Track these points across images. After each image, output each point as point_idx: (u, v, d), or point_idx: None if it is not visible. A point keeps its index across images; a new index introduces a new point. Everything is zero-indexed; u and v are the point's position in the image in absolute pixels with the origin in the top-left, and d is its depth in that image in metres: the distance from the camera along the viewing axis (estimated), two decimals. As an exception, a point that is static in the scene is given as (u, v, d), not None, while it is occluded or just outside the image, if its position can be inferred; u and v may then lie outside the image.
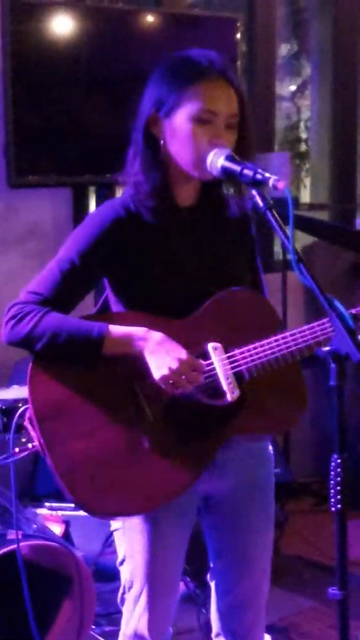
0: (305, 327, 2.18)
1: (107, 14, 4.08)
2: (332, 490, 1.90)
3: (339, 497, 1.89)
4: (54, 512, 3.35)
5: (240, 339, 2.18)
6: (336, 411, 1.89)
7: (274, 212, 1.99)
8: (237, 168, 2.07)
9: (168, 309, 2.20)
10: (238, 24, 4.33)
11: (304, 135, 9.07)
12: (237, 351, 2.18)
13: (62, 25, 3.83)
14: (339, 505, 1.90)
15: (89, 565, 3.09)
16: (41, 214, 4.09)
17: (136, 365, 2.14)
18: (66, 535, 3.39)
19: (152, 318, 2.17)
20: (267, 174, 2.02)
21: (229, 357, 2.18)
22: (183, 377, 2.10)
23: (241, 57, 4.41)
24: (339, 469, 1.89)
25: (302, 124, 9.27)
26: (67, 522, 3.37)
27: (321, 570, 4.03)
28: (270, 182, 1.99)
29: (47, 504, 3.38)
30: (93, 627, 3.13)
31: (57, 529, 3.32)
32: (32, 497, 3.56)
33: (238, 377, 2.17)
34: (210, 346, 2.18)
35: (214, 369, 2.17)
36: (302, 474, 4.96)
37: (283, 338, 2.17)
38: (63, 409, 2.15)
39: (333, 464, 1.90)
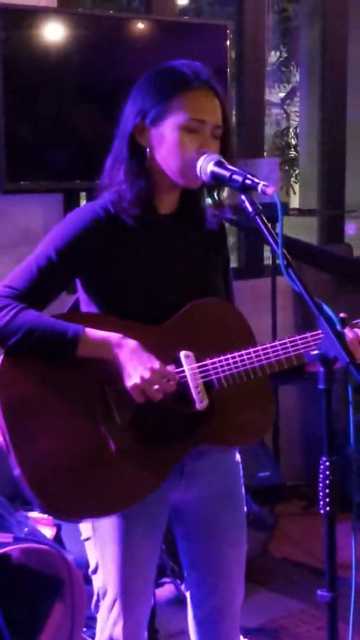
0: (277, 342, 2.19)
1: (97, 21, 4.09)
2: (321, 493, 1.91)
3: (328, 499, 1.91)
4: (45, 516, 3.35)
5: (212, 349, 2.19)
6: (325, 414, 1.91)
7: (263, 217, 2.01)
8: (226, 173, 2.08)
9: (141, 313, 2.20)
10: (228, 32, 4.35)
11: (293, 142, 9.12)
12: (208, 361, 2.18)
13: (53, 32, 3.84)
14: (328, 508, 1.91)
15: (80, 568, 3.10)
16: (33, 219, 4.10)
17: (108, 369, 2.14)
18: (57, 538, 3.39)
19: (126, 323, 2.18)
20: (256, 180, 2.03)
21: (199, 366, 2.19)
22: (154, 386, 2.11)
23: (231, 64, 4.42)
24: (327, 472, 1.91)
25: (291, 131, 9.32)
26: (58, 526, 3.38)
27: (310, 572, 4.04)
28: (259, 188, 2.00)
29: (37, 507, 3.37)
30: (84, 629, 3.14)
31: (49, 532, 3.32)
32: (23, 500, 3.56)
33: (208, 386, 2.18)
34: (182, 354, 2.18)
35: (184, 376, 2.17)
36: (292, 476, 4.97)
37: (255, 351, 2.18)
38: (30, 406, 2.13)
39: (322, 466, 1.91)
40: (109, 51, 3.99)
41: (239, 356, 2.18)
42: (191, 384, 2.17)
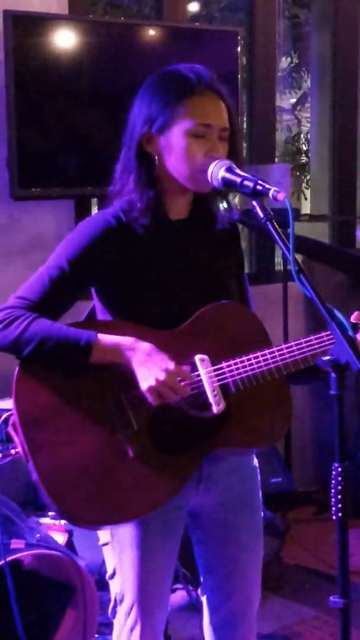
0: (293, 342, 2.19)
1: (109, 28, 4.10)
2: (333, 499, 1.91)
3: (340, 505, 1.90)
4: (57, 522, 3.36)
5: (227, 352, 2.19)
6: (336, 420, 1.90)
7: (274, 223, 2.00)
8: (237, 179, 2.08)
9: (155, 319, 2.20)
10: (239, 38, 4.35)
11: (304, 147, 9.11)
12: (224, 364, 2.19)
13: (64, 39, 3.85)
14: (340, 514, 1.91)
15: (92, 574, 3.10)
16: (44, 225, 4.11)
17: (123, 374, 2.14)
18: (69, 544, 3.39)
19: (140, 328, 2.18)
20: (267, 185, 2.03)
21: (215, 370, 2.19)
22: (169, 388, 2.11)
23: (242, 70, 4.43)
24: (339, 478, 1.90)
25: (302, 136, 9.32)
26: (70, 532, 3.38)
27: (323, 578, 4.03)
28: (270, 193, 2.00)
29: (50, 513, 3.38)
30: (96, 636, 3.14)
31: (60, 538, 3.33)
32: (35, 506, 3.56)
33: (224, 389, 2.18)
34: (198, 358, 2.19)
35: (200, 380, 2.17)
36: (304, 482, 4.97)
37: (270, 353, 2.18)
38: (48, 415, 2.14)
39: (334, 472, 1.91)
40: (120, 58, 4.00)
41: (254, 358, 2.18)
42: (207, 388, 2.17)
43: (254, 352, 2.18)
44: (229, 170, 2.11)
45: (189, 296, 2.24)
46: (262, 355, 2.18)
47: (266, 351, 2.18)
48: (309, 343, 2.19)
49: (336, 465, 1.91)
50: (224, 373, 2.18)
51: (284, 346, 2.19)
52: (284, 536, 4.31)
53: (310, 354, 2.18)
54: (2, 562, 2.77)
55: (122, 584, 2.29)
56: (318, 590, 3.93)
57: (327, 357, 1.88)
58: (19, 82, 3.73)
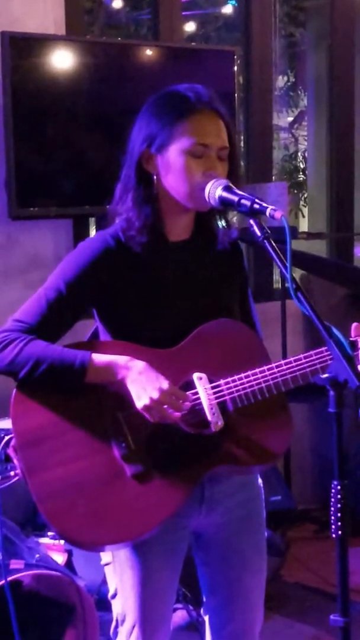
0: (292, 358, 2.18)
1: (106, 48, 4.12)
2: (333, 517, 1.90)
3: (339, 523, 1.90)
4: (56, 541, 3.35)
5: (225, 370, 2.19)
6: (336, 438, 1.90)
7: (272, 241, 2.01)
8: (234, 198, 2.09)
9: (155, 340, 2.20)
10: (235, 57, 4.37)
11: (301, 165, 9.15)
12: (222, 381, 2.18)
13: (61, 60, 3.87)
14: (340, 532, 1.90)
15: (92, 594, 3.09)
16: (42, 245, 4.12)
17: (119, 393, 2.14)
18: (69, 564, 3.38)
19: (138, 347, 2.18)
20: (264, 204, 2.04)
21: (213, 387, 2.18)
22: (164, 406, 2.10)
23: (239, 89, 4.45)
24: (339, 496, 1.90)
25: (299, 154, 9.36)
26: (69, 551, 3.37)
27: (323, 597, 4.01)
28: (268, 212, 2.00)
29: (49, 533, 3.37)
30: (96, 656, 3.12)
31: (60, 558, 3.32)
32: (34, 526, 3.56)
33: (222, 407, 2.18)
34: (195, 376, 2.18)
35: (198, 398, 2.17)
36: (304, 500, 4.95)
37: (269, 369, 2.17)
38: (45, 436, 2.14)
39: (334, 490, 1.90)
40: (117, 78, 4.02)
41: (253, 375, 2.17)
42: (206, 406, 2.16)
43: (252, 369, 2.18)
44: (226, 189, 2.11)
45: (189, 318, 2.23)
46: (261, 372, 2.17)
47: (265, 368, 2.17)
48: (308, 359, 2.18)
49: (336, 483, 1.91)
50: (222, 391, 2.18)
51: (282, 362, 2.18)
52: (284, 555, 4.29)
53: (310, 370, 2.17)
54: (2, 582, 2.76)
55: (124, 605, 2.28)
56: (318, 608, 3.92)
57: (326, 375, 1.89)
58: (16, 103, 3.75)
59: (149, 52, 4.19)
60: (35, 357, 2.12)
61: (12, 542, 3.13)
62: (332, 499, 1.90)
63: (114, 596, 2.31)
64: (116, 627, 2.32)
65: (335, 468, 1.91)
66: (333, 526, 1.90)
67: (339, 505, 1.90)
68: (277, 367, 2.17)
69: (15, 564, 2.90)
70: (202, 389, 2.17)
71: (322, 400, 1.97)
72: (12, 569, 2.88)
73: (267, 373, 2.17)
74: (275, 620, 3.84)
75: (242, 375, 2.17)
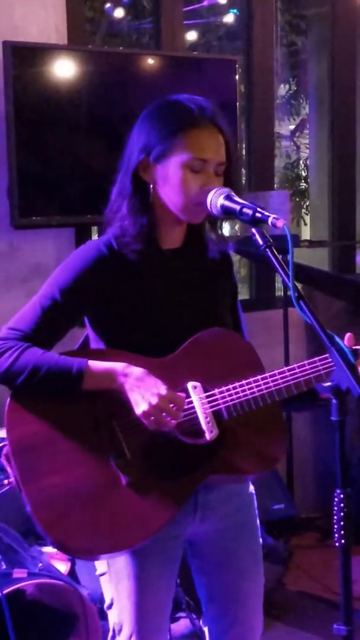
0: (286, 368, 2.19)
1: (108, 57, 4.13)
2: (335, 525, 1.90)
3: (342, 532, 1.90)
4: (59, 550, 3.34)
5: (220, 379, 2.20)
6: (338, 446, 1.90)
7: (274, 250, 2.01)
8: (236, 207, 2.09)
9: (148, 348, 2.20)
10: (237, 66, 4.38)
11: (303, 173, 9.16)
12: (216, 390, 2.19)
13: (63, 69, 3.88)
14: (342, 540, 1.90)
15: (95, 603, 3.09)
16: (45, 253, 4.12)
17: (115, 401, 2.14)
18: (72, 573, 3.38)
19: (133, 356, 2.18)
20: (266, 213, 2.04)
21: (208, 397, 2.19)
22: (163, 412, 2.11)
23: (240, 97, 4.45)
24: (342, 504, 1.90)
25: (301, 162, 9.37)
26: (72, 560, 3.37)
27: (326, 606, 4.00)
28: (270, 221, 2.01)
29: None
30: (99, 665, 3.12)
31: (63, 567, 3.32)
32: (37, 535, 3.55)
33: (217, 416, 2.18)
34: (190, 385, 2.19)
35: (193, 407, 2.18)
36: (306, 508, 4.95)
37: (263, 379, 2.18)
38: (39, 444, 2.14)
39: (336, 498, 1.90)
40: (119, 87, 4.03)
41: (247, 384, 2.18)
42: (200, 414, 2.17)
43: (246, 379, 2.18)
44: (228, 198, 2.12)
45: (182, 325, 2.24)
46: (255, 382, 2.18)
47: (259, 377, 2.18)
48: (302, 369, 2.19)
49: (338, 491, 1.91)
50: (216, 400, 2.18)
51: (276, 372, 2.19)
52: (287, 563, 4.29)
53: (303, 379, 2.18)
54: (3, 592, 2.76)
55: (120, 614, 2.28)
56: (321, 617, 3.91)
57: (328, 384, 1.89)
58: (19, 112, 3.76)
59: (150, 61, 4.19)
60: (32, 365, 2.12)
61: (15, 551, 3.12)
62: (335, 507, 1.90)
63: (110, 606, 2.31)
64: (113, 637, 2.31)
65: (338, 476, 1.91)
66: (336, 534, 1.90)
67: (341, 514, 1.90)
68: (271, 376, 2.19)
69: (18, 573, 2.89)
70: (197, 398, 2.18)
71: (324, 409, 1.97)
72: (15, 577, 2.87)
73: (261, 382, 2.18)
74: (277, 628, 3.83)
75: (237, 384, 2.18)
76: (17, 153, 3.77)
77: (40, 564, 3.05)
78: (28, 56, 3.80)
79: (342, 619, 1.91)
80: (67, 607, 3.02)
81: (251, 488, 2.41)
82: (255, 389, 2.18)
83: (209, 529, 2.31)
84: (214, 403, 2.18)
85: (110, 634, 2.33)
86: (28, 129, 3.81)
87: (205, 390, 2.19)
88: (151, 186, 2.22)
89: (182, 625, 3.60)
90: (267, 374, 2.19)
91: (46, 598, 3.04)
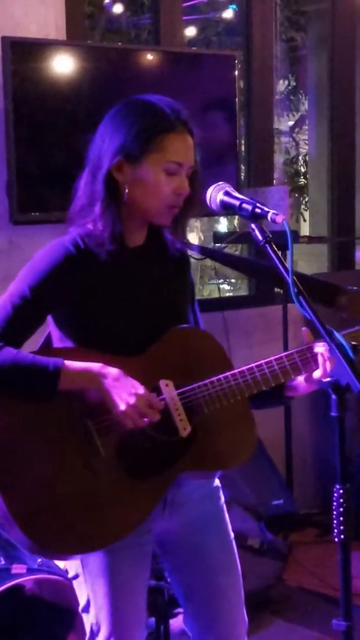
0: (253, 364, 2.20)
1: (107, 53, 4.13)
2: (335, 521, 1.91)
3: (342, 527, 1.90)
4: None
5: (190, 376, 2.20)
6: (338, 442, 1.91)
7: (273, 245, 2.01)
8: (235, 202, 2.10)
9: (118, 345, 2.20)
10: (236, 61, 4.38)
11: (302, 169, 9.15)
12: (187, 388, 2.19)
13: (62, 64, 3.88)
14: (342, 536, 1.91)
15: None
16: (43, 249, 4.11)
17: (89, 402, 2.14)
18: (70, 569, 3.38)
19: (103, 355, 2.17)
20: (265, 208, 2.05)
21: (180, 394, 2.19)
22: (140, 412, 2.11)
23: (239, 93, 4.45)
24: (341, 500, 1.90)
25: (300, 158, 9.37)
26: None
27: (325, 601, 4.00)
28: (269, 216, 2.02)
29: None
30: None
31: (61, 563, 3.31)
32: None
33: (189, 413, 2.19)
34: (162, 383, 2.19)
35: (166, 405, 2.18)
36: (306, 504, 4.95)
37: (232, 375, 2.19)
38: (14, 446, 2.12)
39: (336, 494, 1.91)
40: (118, 82, 4.02)
41: (217, 381, 2.19)
42: (173, 412, 2.17)
43: (216, 375, 2.19)
44: (227, 194, 2.12)
45: (147, 322, 2.24)
46: (225, 378, 2.19)
47: (228, 374, 2.20)
48: (269, 364, 2.20)
49: (338, 487, 1.91)
50: (188, 397, 2.19)
51: (244, 368, 2.20)
52: (286, 559, 4.29)
53: (271, 374, 2.19)
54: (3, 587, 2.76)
55: (97, 614, 2.27)
56: (321, 613, 3.91)
57: (328, 379, 1.89)
58: (18, 107, 3.76)
59: (149, 56, 4.19)
60: (8, 364, 2.10)
61: (14, 546, 3.12)
62: (335, 503, 1.90)
63: (85, 608, 2.30)
64: (91, 637, 2.30)
65: (338, 472, 1.91)
66: (335, 530, 1.91)
67: (341, 509, 1.90)
68: (239, 372, 2.20)
69: (17, 568, 2.89)
70: (169, 395, 2.18)
71: (324, 404, 1.97)
72: (14, 573, 2.87)
73: (230, 378, 2.20)
74: (277, 624, 3.83)
75: (207, 381, 2.19)
76: (16, 148, 3.77)
77: (39, 560, 3.05)
78: (27, 52, 3.80)
79: (342, 614, 1.92)
80: (66, 602, 3.01)
81: (217, 482, 2.41)
82: (225, 385, 2.19)
83: (177, 523, 2.31)
84: (186, 400, 2.19)
85: (88, 635, 2.31)
86: (27, 124, 3.81)
87: (177, 388, 2.19)
88: (125, 187, 2.21)
89: (180, 621, 3.60)
90: (236, 370, 2.20)
91: (45, 593, 3.03)
